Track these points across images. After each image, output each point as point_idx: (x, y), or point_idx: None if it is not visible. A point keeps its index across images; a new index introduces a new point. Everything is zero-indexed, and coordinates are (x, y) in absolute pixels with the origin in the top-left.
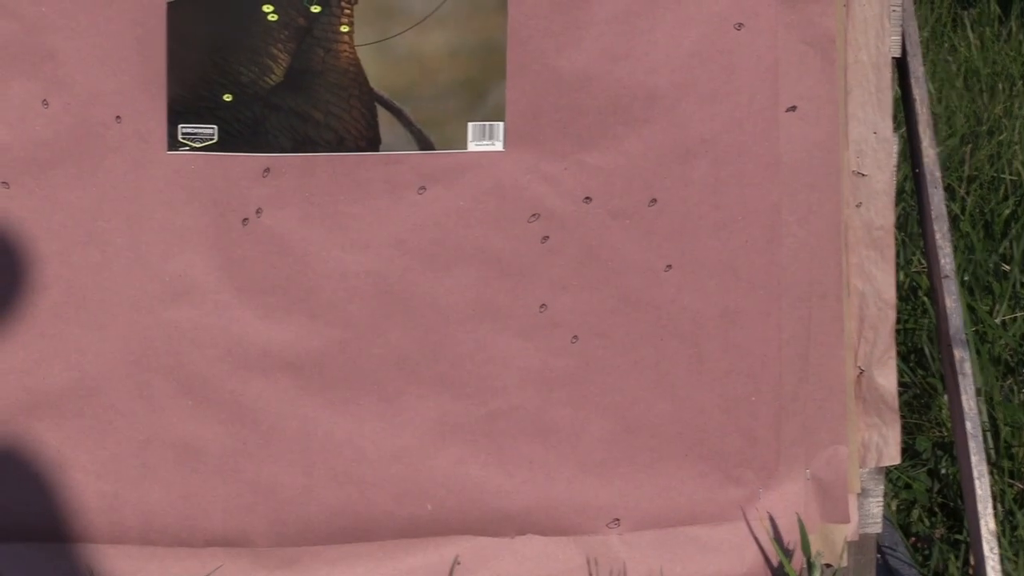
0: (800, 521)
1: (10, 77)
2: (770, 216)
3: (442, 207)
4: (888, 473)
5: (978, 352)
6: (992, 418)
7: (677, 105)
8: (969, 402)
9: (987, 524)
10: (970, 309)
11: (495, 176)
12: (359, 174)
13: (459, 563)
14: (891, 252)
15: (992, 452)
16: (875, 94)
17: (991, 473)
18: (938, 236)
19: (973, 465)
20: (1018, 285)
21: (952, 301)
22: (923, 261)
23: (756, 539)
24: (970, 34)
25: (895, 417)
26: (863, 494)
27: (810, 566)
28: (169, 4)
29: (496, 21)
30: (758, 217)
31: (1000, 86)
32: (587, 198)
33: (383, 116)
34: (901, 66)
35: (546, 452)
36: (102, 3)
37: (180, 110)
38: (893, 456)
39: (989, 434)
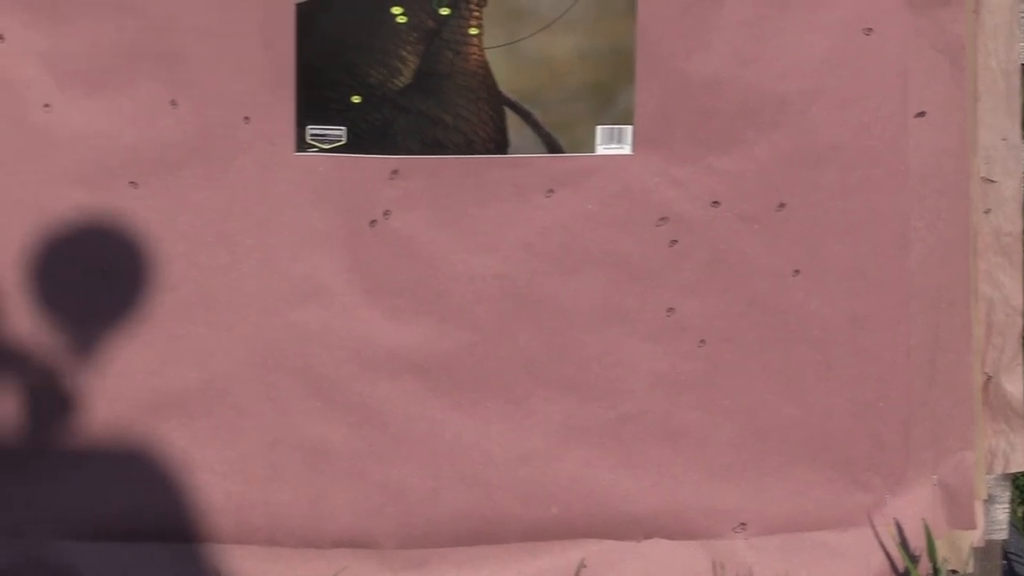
0: (927, 527)
1: (138, 77)
2: (899, 222)
3: (570, 210)
4: (1015, 479)
5: None
6: None
7: (807, 110)
8: None
9: None
10: None
11: (623, 179)
12: (487, 177)
13: (585, 566)
14: (1019, 258)
15: None
16: (1004, 100)
17: None
18: None
19: None
20: None
21: None
22: None
23: (882, 545)
24: None
25: (1022, 423)
26: (989, 500)
27: (936, 572)
28: (298, 5)
29: (625, 24)
30: (887, 223)
31: None
32: (715, 202)
33: (511, 119)
34: None
35: (673, 456)
36: (231, 4)
37: (309, 111)
38: (1020, 462)
39: None
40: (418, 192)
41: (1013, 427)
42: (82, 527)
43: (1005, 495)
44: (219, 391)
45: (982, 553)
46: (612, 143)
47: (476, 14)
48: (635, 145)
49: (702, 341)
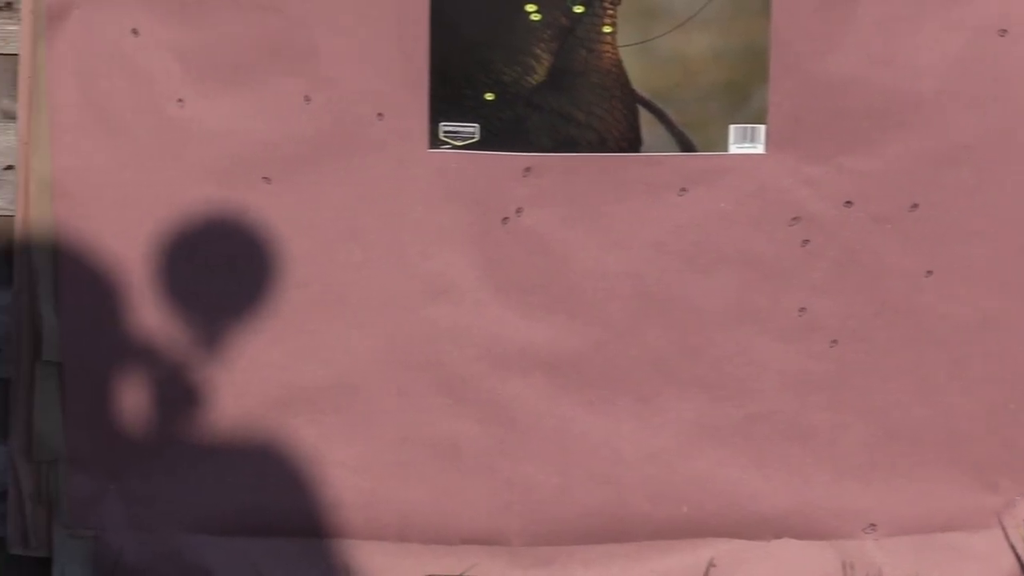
0: None
1: (273, 73)
2: None
3: (703, 209)
4: None
5: None
6: None
7: (940, 111)
8: None
9: None
10: None
11: (756, 179)
12: (620, 175)
13: (714, 565)
14: None
15: None
16: None
17: None
18: None
19: None
20: None
21: None
22: None
23: (1012, 547)
24: None
25: None
26: None
27: None
28: (432, 2)
29: (759, 24)
30: (1019, 224)
31: None
32: (848, 202)
33: (644, 117)
34: None
35: (804, 455)
36: (366, 1)
37: (442, 108)
38: None
39: None
40: (551, 190)
41: None
42: (211, 522)
43: None
44: (349, 387)
45: None
46: (745, 142)
47: (610, 12)
48: (768, 144)
49: (834, 341)
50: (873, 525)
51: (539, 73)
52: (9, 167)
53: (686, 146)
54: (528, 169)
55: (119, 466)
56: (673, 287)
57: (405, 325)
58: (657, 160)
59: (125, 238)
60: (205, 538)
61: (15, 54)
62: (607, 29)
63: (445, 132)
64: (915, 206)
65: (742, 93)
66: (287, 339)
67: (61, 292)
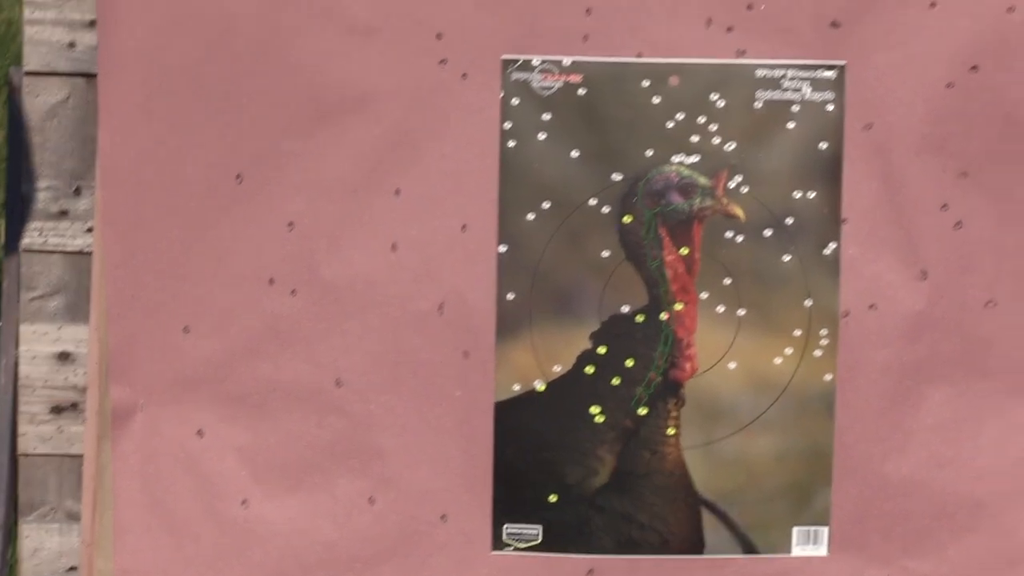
0: None
1: (337, 473)
2: None
3: None
4: None
5: None
6: None
7: (1002, 513)
8: None
9: None
10: None
11: None
12: None
13: None
14: None
15: None
16: None
17: None
18: None
19: None
20: None
21: None
22: None
23: None
24: None
25: None
26: None
27: None
28: (497, 404)
29: (823, 425)
30: None
31: None
32: None
33: (707, 518)
34: None
35: None
36: (431, 403)
37: (505, 510)
38: None
39: None
40: None
41: None
42: None
43: None
44: None
45: None
46: (808, 544)
47: (674, 415)
48: (831, 546)
49: None
50: None
51: (602, 474)
52: (72, 568)
53: (749, 548)
54: (591, 571)
55: None
56: None
57: None
58: (720, 564)
59: None
60: None
61: (79, 455)
62: (671, 431)
63: (508, 534)
64: None
65: (805, 494)
66: None
67: None
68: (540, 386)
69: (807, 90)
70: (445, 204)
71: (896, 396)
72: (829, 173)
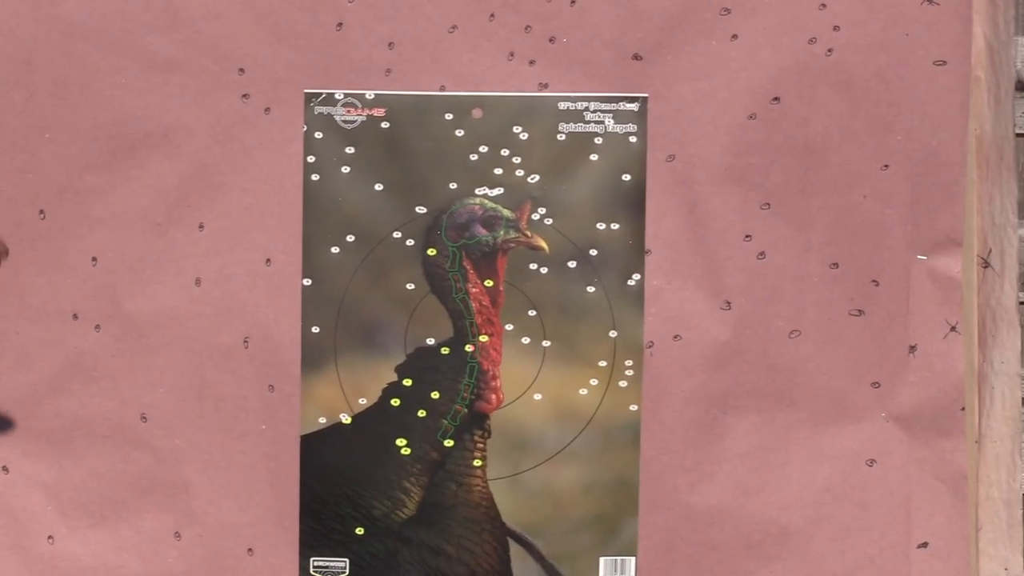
0: None
1: (144, 510)
2: None
3: None
4: None
5: None
6: None
7: (808, 541)
8: None
9: None
10: None
11: None
12: None
13: None
14: None
15: None
16: (1006, 530)
17: None
18: None
19: None
20: None
21: None
22: None
23: None
24: None
25: None
26: None
27: None
28: (303, 437)
29: (629, 456)
30: None
31: None
32: None
33: (515, 550)
34: None
35: None
36: (236, 437)
37: (312, 543)
38: None
39: None
40: None
41: None
42: None
43: None
44: None
45: None
46: (616, 574)
47: (480, 446)
48: None
49: None
50: None
51: (409, 507)
52: None
53: None
54: None
55: None
56: None
57: None
58: None
59: None
60: None
61: None
62: (477, 463)
63: (315, 567)
64: None
65: (612, 526)
66: None
67: None
68: (346, 419)
69: (610, 122)
70: (249, 238)
71: (702, 426)
72: (632, 205)
